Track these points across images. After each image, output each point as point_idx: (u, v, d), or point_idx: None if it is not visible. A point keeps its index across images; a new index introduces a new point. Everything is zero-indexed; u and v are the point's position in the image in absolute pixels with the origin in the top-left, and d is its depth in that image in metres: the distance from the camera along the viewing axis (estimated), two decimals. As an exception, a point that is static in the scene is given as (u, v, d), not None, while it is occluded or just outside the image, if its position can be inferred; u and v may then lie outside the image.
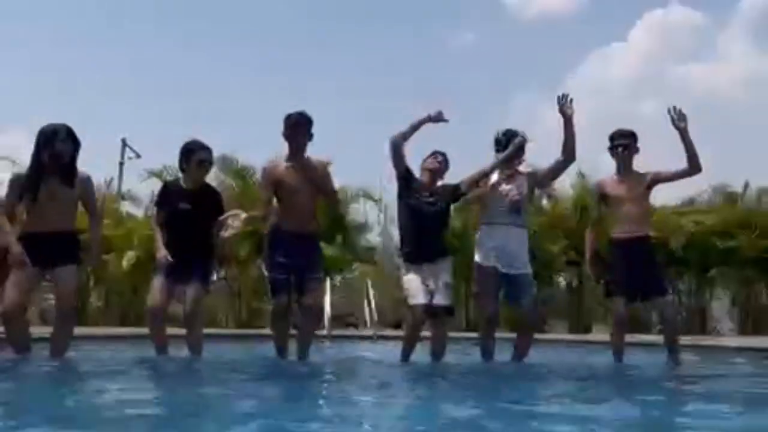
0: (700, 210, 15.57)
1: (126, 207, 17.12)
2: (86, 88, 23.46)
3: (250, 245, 13.65)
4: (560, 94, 4.79)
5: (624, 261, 4.96)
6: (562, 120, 4.78)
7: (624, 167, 5.04)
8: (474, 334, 5.65)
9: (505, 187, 4.91)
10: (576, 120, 4.79)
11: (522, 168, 5.01)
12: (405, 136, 4.83)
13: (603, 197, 5.14)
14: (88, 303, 15.43)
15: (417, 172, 5.04)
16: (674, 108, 4.83)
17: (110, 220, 14.98)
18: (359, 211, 16.08)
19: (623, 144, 5.02)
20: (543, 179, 5.27)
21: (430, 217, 4.87)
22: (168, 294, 4.83)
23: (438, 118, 4.83)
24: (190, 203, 4.90)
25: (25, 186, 4.45)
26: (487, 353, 4.93)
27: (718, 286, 16.14)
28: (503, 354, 5.00)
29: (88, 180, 4.61)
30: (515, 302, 4.87)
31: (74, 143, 4.50)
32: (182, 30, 28.60)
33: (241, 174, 14.87)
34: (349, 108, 25.92)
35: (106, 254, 14.39)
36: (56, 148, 4.40)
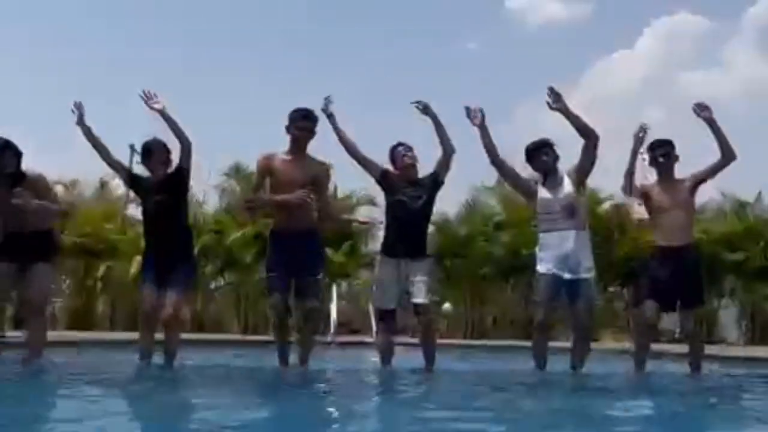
0: (709, 219, 15.48)
1: (133, 211, 17.15)
2: (93, 91, 23.55)
3: (255, 250, 13.65)
4: (547, 90, 4.72)
5: (669, 269, 4.88)
6: (561, 115, 4.75)
7: (666, 175, 5.02)
8: (476, 342, 5.62)
9: (548, 196, 4.84)
10: (570, 106, 4.71)
11: (560, 167, 4.92)
12: (343, 142, 4.91)
13: (646, 200, 5.08)
14: (95, 308, 15.47)
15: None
16: (697, 104, 4.85)
17: (117, 224, 15.04)
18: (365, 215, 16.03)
19: (665, 152, 5.00)
20: (582, 170, 5.07)
21: (414, 212, 4.88)
22: (159, 300, 4.77)
23: (326, 103, 4.86)
24: (160, 194, 4.81)
25: None
26: (540, 361, 4.88)
27: (726, 296, 16.05)
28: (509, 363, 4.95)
29: (38, 178, 4.75)
30: (572, 306, 4.81)
31: (16, 155, 4.68)
32: (190, 30, 28.63)
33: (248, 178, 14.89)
34: (353, 114, 25.95)
35: (113, 260, 14.44)
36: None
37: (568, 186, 4.81)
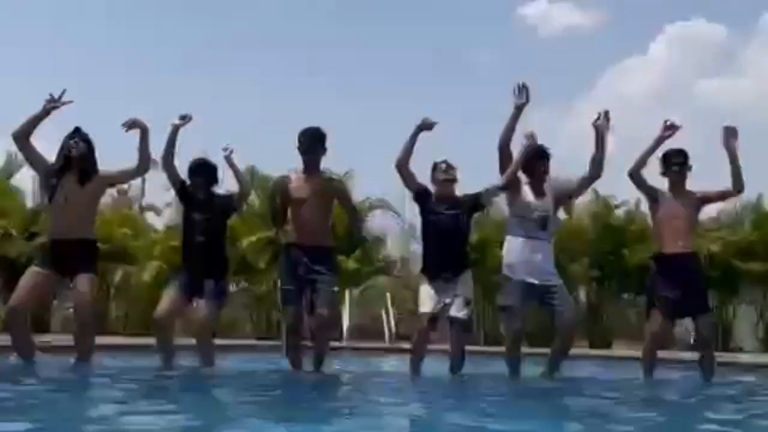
0: (725, 227, 15.34)
1: (150, 218, 17.29)
2: (105, 95, 23.85)
3: (268, 255, 13.72)
4: (600, 111, 4.86)
5: (673, 276, 4.94)
6: (594, 134, 4.85)
7: (677, 186, 5.08)
8: (493, 348, 5.63)
9: (535, 202, 4.90)
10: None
11: (546, 184, 5.01)
12: (405, 154, 4.87)
13: (655, 205, 5.11)
14: (109, 313, 15.57)
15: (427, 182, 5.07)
16: (727, 128, 4.93)
17: (132, 230, 15.14)
18: (378, 222, 16.08)
19: (680, 163, 5.04)
20: (565, 195, 5.27)
21: (450, 231, 4.86)
22: (178, 307, 4.87)
23: (427, 124, 4.86)
24: (203, 213, 4.98)
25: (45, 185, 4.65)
26: (514, 370, 4.89)
27: (742, 304, 15.89)
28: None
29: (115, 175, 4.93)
30: (552, 311, 4.83)
31: (88, 144, 4.72)
32: (202, 36, 28.86)
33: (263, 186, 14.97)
34: (368, 121, 25.99)
35: (128, 265, 14.54)
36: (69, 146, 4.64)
37: (549, 200, 4.92)
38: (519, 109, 4.85)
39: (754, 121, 23.73)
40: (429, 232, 4.96)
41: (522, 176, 4.98)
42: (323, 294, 4.74)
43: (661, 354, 5.29)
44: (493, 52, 27.97)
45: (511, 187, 4.94)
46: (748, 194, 15.48)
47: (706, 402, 4.12)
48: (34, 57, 27.88)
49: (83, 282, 4.54)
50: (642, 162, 5.03)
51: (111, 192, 16.85)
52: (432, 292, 4.82)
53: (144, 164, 4.76)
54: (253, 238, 14.08)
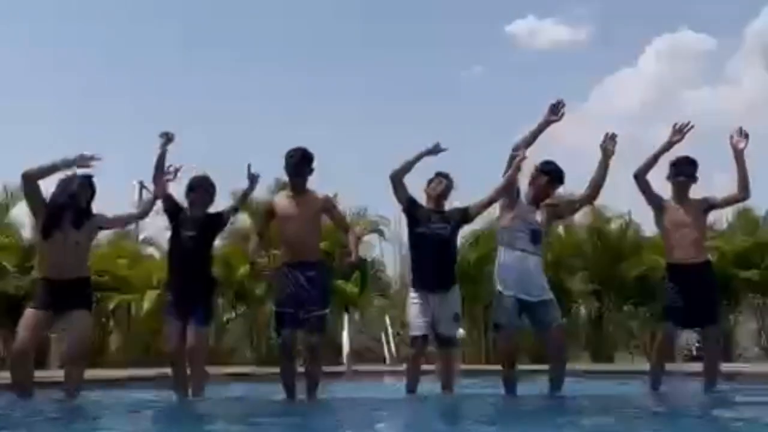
0: (721, 236, 15.36)
1: (147, 249, 17.19)
2: (100, 126, 23.89)
3: (266, 281, 13.68)
4: (608, 133, 4.82)
5: (683, 287, 4.91)
6: (601, 156, 4.87)
7: (682, 194, 5.05)
8: (495, 367, 5.60)
9: (528, 215, 4.90)
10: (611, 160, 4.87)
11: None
12: (405, 170, 4.92)
13: (661, 213, 5.10)
14: (108, 344, 15.46)
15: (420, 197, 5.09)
16: (740, 130, 4.93)
17: (128, 259, 15.09)
18: (374, 246, 16.03)
19: (689, 173, 5.06)
20: (563, 211, 5.25)
21: (438, 245, 4.88)
22: (183, 337, 4.88)
23: (436, 149, 4.91)
24: (191, 229, 4.99)
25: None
26: (510, 388, 4.86)
27: (743, 312, 15.86)
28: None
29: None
30: (540, 328, 4.81)
31: (91, 189, 4.75)
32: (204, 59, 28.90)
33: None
34: (358, 142, 26.09)
35: (125, 295, 14.48)
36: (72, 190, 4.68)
37: (540, 214, 4.91)
38: (548, 124, 4.86)
39: (745, 128, 23.86)
40: (418, 245, 4.98)
41: (522, 188, 4.99)
42: (313, 319, 4.75)
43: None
44: (483, 70, 28.19)
45: (507, 197, 4.93)
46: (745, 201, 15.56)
47: (715, 411, 4.09)
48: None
49: (78, 318, 4.56)
50: (649, 165, 5.03)
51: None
52: (419, 310, 4.84)
53: (142, 215, 4.88)
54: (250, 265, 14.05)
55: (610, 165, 4.87)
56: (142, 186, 21.79)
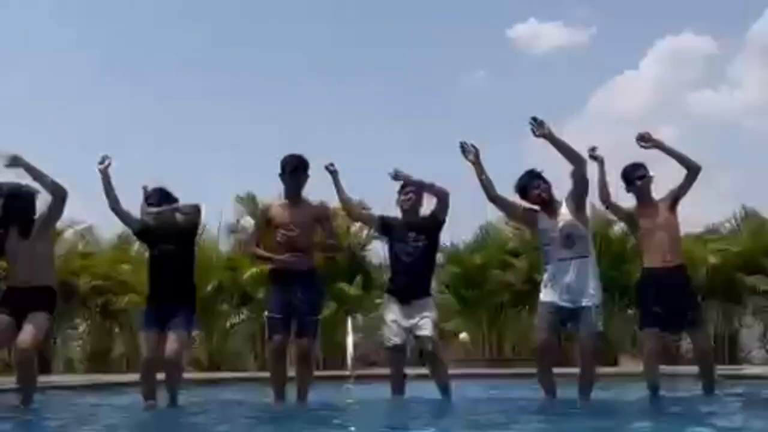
0: (725, 237, 15.31)
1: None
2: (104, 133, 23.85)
3: (267, 286, 13.67)
4: (530, 119, 4.65)
5: (659, 291, 4.90)
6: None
7: (645, 197, 5.05)
8: (498, 371, 5.62)
9: (549, 223, 4.84)
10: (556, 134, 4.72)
11: (556, 193, 4.96)
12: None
13: (631, 223, 5.22)
14: (112, 350, 15.50)
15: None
16: (642, 135, 4.95)
17: (132, 264, 15.12)
18: (377, 251, 16.02)
19: (641, 175, 5.03)
20: (575, 196, 5.09)
21: (412, 260, 4.96)
22: (159, 344, 4.76)
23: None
24: (165, 243, 4.89)
25: None
26: (548, 389, 4.85)
27: (747, 315, 15.80)
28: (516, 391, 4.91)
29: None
30: (577, 335, 4.82)
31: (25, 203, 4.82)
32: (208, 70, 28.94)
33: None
34: (361, 146, 26.06)
35: (129, 299, 14.50)
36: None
37: (566, 214, 4.81)
38: (476, 164, 4.94)
39: (746, 130, 23.84)
40: (392, 260, 5.14)
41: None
42: (305, 323, 4.77)
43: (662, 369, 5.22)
44: (485, 74, 28.20)
45: (527, 225, 5.20)
46: (745, 203, 15.56)
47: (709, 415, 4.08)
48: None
49: (32, 320, 4.60)
50: (605, 187, 5.08)
51: (115, 232, 16.77)
52: (397, 317, 4.88)
53: (52, 188, 4.73)
54: (255, 270, 14.07)
55: (557, 138, 4.65)
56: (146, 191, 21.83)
